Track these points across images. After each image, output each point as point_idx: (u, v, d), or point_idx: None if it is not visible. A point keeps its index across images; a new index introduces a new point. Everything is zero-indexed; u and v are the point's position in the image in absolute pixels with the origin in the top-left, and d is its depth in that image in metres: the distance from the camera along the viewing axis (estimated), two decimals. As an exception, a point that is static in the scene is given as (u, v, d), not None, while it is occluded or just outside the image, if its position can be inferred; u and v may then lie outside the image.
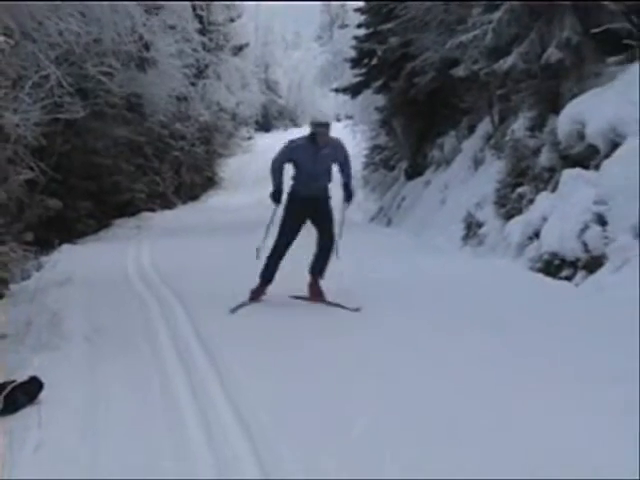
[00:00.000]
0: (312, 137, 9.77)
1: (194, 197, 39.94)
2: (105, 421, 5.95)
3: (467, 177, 18.10)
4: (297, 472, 4.77)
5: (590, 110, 11.79)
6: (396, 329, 8.46)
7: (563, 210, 11.24)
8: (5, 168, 13.44)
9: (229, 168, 50.59)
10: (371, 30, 25.50)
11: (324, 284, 10.06)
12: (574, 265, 10.67)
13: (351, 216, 12.86)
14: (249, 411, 5.89)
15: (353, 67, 28.15)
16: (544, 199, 12.34)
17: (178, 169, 37.33)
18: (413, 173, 24.47)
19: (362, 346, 7.76)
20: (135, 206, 29.40)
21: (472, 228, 15.25)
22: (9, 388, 6.32)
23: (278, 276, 10.11)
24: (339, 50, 44.65)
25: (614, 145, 11.14)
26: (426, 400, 5.93)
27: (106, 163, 25.08)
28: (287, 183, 10.06)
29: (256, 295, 10.05)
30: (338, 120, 44.54)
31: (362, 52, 26.54)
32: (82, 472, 5.04)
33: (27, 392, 6.44)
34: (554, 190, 12.21)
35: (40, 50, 15.55)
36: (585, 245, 10.49)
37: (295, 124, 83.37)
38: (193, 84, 37.01)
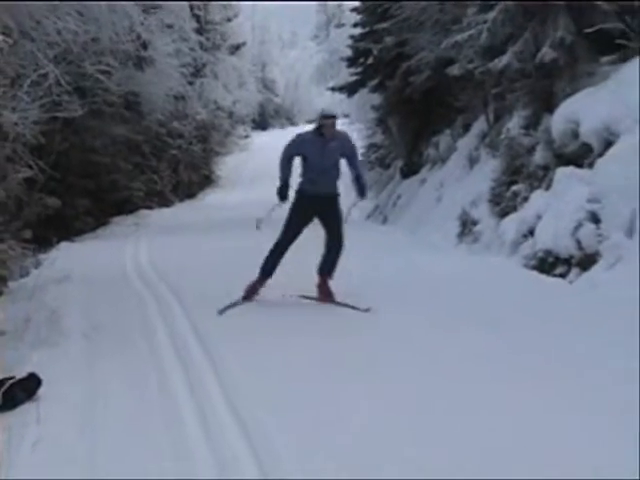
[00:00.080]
0: (319, 129, 9.63)
1: (191, 195, 39.85)
2: (103, 417, 5.97)
3: (462, 175, 18.06)
4: (296, 472, 4.74)
5: (584, 109, 11.85)
6: (393, 326, 8.45)
7: (557, 208, 11.29)
8: (4, 166, 13.42)
9: (226, 166, 50.27)
10: (367, 29, 25.58)
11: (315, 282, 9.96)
12: (568, 262, 10.72)
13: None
14: (246, 409, 5.88)
15: (349, 66, 28.18)
16: (538, 197, 12.40)
17: (176, 167, 37.29)
18: (409, 171, 24.47)
19: (360, 344, 7.76)
20: (133, 204, 29.37)
21: (467, 226, 15.28)
22: (8, 384, 6.36)
23: (277, 276, 9.98)
24: (335, 49, 44.89)
25: (608, 144, 11.18)
26: (425, 399, 5.91)
27: (104, 161, 25.05)
28: (295, 180, 9.87)
29: (253, 289, 9.94)
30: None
31: (358, 51, 26.59)
32: (80, 468, 5.06)
33: (26, 388, 6.47)
34: (548, 188, 12.26)
35: (38, 49, 15.52)
36: (579, 243, 10.54)
37: (292, 122, 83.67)
38: (190, 83, 37.07)
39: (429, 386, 6.24)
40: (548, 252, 11.15)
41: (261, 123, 77.57)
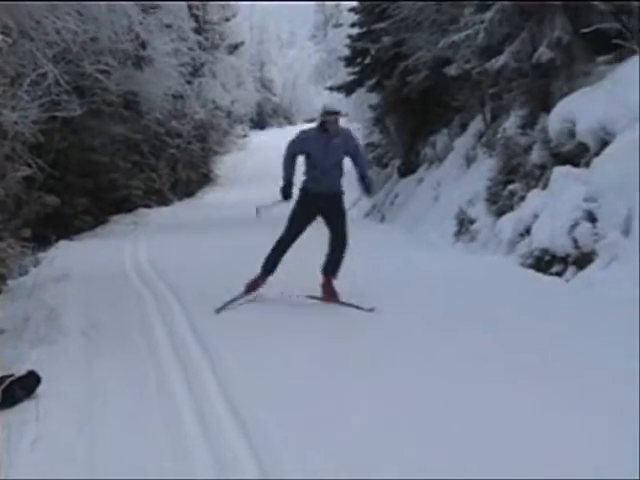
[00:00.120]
0: (322, 126, 9.53)
1: (190, 194, 39.89)
2: (102, 415, 5.98)
3: (459, 174, 18.12)
4: (296, 472, 4.71)
5: (580, 109, 11.89)
6: (391, 326, 8.45)
7: (554, 207, 11.34)
8: (3, 165, 13.42)
9: (224, 165, 50.29)
10: (365, 29, 25.63)
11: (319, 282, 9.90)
12: (564, 261, 10.76)
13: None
14: (245, 407, 5.87)
15: (347, 66, 28.27)
16: (535, 196, 12.44)
17: (174, 166, 37.34)
18: (406, 170, 24.51)
19: (359, 343, 7.75)
20: (132, 203, 29.43)
21: (464, 224, 15.33)
22: (7, 382, 6.35)
23: (278, 274, 9.92)
24: (333, 49, 44.93)
25: (604, 143, 11.22)
26: (424, 399, 5.88)
27: (103, 160, 25.11)
28: (298, 179, 9.75)
29: (253, 285, 9.86)
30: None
31: (356, 51, 26.68)
32: (79, 466, 5.07)
33: (25, 386, 6.47)
34: (545, 187, 12.31)
35: (38, 48, 15.51)
36: (575, 241, 10.57)
37: (290, 122, 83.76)
38: (189, 82, 37.13)
39: (429, 386, 6.22)
40: (545, 251, 11.18)
41: (259, 122, 77.62)
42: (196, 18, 37.57)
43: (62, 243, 19.41)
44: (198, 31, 37.18)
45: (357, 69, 26.75)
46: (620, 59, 12.43)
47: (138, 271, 14.08)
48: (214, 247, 16.72)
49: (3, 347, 8.06)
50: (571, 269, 10.57)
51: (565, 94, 12.86)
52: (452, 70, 17.14)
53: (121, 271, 14.21)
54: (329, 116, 9.50)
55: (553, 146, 12.63)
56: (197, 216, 28.95)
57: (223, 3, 46.39)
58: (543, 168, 12.90)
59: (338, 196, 9.77)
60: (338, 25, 51.76)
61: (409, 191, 22.45)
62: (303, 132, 9.87)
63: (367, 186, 10.00)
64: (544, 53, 13.07)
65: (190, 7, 34.81)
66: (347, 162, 9.74)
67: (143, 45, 25.45)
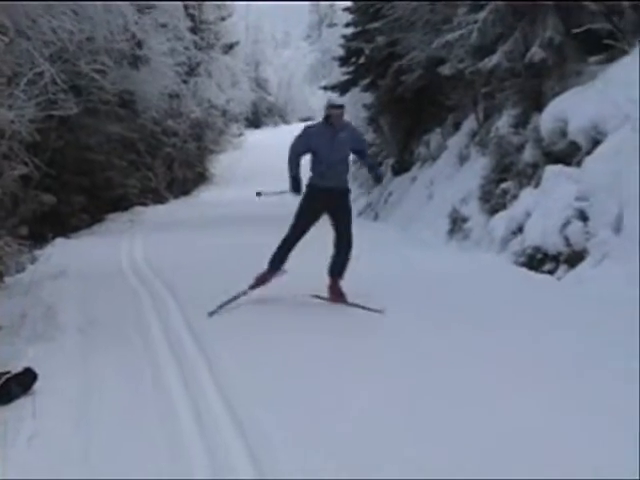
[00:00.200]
0: (327, 120, 9.48)
1: (186, 192, 39.86)
2: (98, 411, 6.00)
3: (452, 173, 18.13)
4: (296, 472, 4.68)
5: (572, 108, 11.97)
6: (386, 324, 8.46)
7: (546, 206, 11.44)
8: (0, 164, 13.50)
9: (220, 164, 50.28)
10: (359, 29, 25.68)
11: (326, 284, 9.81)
12: (556, 259, 10.85)
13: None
14: (242, 405, 5.86)
15: (341, 65, 28.35)
16: (527, 195, 12.54)
17: (170, 165, 37.34)
18: (400, 169, 24.52)
19: (356, 343, 7.72)
20: (128, 201, 29.46)
21: (457, 223, 15.38)
22: (4, 379, 6.41)
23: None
24: (328, 48, 44.98)
25: (595, 142, 11.28)
26: (424, 399, 5.86)
27: (99, 159, 25.15)
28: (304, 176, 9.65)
29: (261, 280, 9.75)
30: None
31: (350, 51, 26.73)
32: (76, 462, 5.08)
33: (21, 383, 6.51)
34: (537, 186, 12.39)
35: (34, 48, 15.54)
36: (567, 240, 10.66)
37: (285, 121, 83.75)
38: (185, 81, 37.14)
39: (427, 386, 6.18)
40: (537, 249, 11.27)
41: (255, 121, 77.57)
42: (192, 18, 37.65)
43: (59, 241, 19.38)
44: (194, 31, 37.26)
45: (351, 69, 26.79)
46: (611, 59, 12.49)
47: (134, 269, 14.12)
48: (210, 245, 16.73)
49: (0, 344, 8.11)
50: (563, 267, 10.65)
51: (557, 94, 12.94)
52: (446, 70, 17.17)
53: (117, 269, 14.23)
54: (334, 110, 9.47)
55: (545, 145, 12.70)
56: (193, 214, 28.90)
57: (219, 3, 46.47)
58: (535, 167, 12.96)
59: (345, 193, 9.72)
60: (332, 25, 51.90)
61: (403, 190, 22.46)
62: (308, 127, 9.78)
63: (378, 176, 10.40)
64: (536, 53, 13.16)
65: (186, 7, 34.90)
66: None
67: (139, 44, 25.53)
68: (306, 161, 9.55)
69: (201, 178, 44.54)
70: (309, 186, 9.66)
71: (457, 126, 20.28)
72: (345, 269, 9.70)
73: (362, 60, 25.49)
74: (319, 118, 9.98)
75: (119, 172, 27.79)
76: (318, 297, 9.73)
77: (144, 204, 31.16)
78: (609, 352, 6.87)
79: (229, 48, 49.53)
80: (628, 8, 12.33)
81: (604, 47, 12.70)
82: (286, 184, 9.66)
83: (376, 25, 22.52)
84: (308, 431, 5.30)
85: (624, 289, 8.88)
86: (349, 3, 27.84)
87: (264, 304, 9.60)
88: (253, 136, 67.19)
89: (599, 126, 11.30)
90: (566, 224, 10.75)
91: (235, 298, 9.55)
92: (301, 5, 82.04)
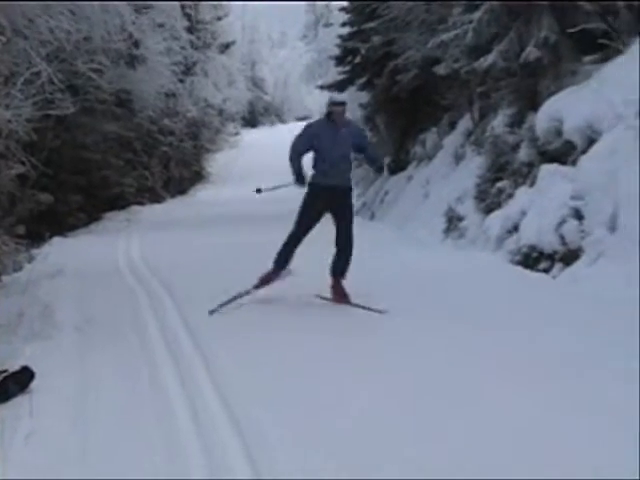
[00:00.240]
0: (329, 117, 9.43)
1: (182, 191, 39.82)
2: (95, 410, 6.00)
3: (448, 172, 18.14)
4: (296, 472, 4.65)
5: (567, 107, 12.00)
6: (383, 324, 8.44)
7: (541, 204, 11.45)
8: (-3, 163, 13.57)
9: (216, 163, 50.21)
10: (355, 29, 25.68)
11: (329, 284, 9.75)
12: (551, 258, 10.87)
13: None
14: (239, 404, 5.84)
15: (337, 65, 28.29)
16: (523, 194, 12.55)
17: (167, 164, 37.31)
18: (396, 168, 24.47)
19: (354, 342, 7.68)
20: (125, 200, 29.48)
21: (453, 222, 15.37)
22: (1, 377, 6.42)
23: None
24: (324, 48, 44.90)
25: (590, 141, 11.30)
26: (424, 398, 5.82)
27: (96, 158, 25.20)
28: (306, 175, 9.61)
29: (266, 279, 9.70)
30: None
31: (346, 50, 26.73)
32: (73, 460, 5.07)
33: (19, 381, 6.50)
34: (532, 185, 12.41)
35: (31, 47, 15.50)
36: (562, 238, 10.69)
37: (281, 120, 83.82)
38: (181, 81, 37.19)
39: (426, 385, 6.15)
40: (532, 247, 11.29)
41: (251, 120, 77.55)
42: (188, 17, 37.68)
43: (56, 240, 19.46)
44: (190, 30, 37.27)
45: (347, 68, 26.78)
46: (606, 59, 12.50)
47: (131, 267, 14.16)
48: (206, 244, 16.78)
49: (-3, 342, 8.10)
50: (558, 266, 10.68)
51: (552, 93, 12.96)
52: (441, 69, 17.15)
53: (114, 267, 14.28)
54: (336, 107, 9.45)
55: (540, 144, 12.73)
56: (189, 213, 28.94)
57: (215, 3, 46.49)
58: (531, 166, 12.98)
59: (347, 191, 9.73)
60: (328, 25, 51.74)
61: (399, 189, 22.45)
62: (308, 126, 9.72)
63: (380, 166, 10.70)
64: (531, 52, 13.20)
65: (183, 7, 34.96)
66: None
67: (136, 44, 25.57)
68: (308, 158, 9.51)
69: (197, 177, 44.52)
70: (312, 184, 9.60)
71: (453, 125, 20.31)
72: (347, 269, 9.63)
73: (358, 60, 25.49)
74: (315, 117, 10.00)
75: (116, 171, 27.84)
76: (321, 297, 9.68)
77: (141, 203, 31.22)
78: (608, 352, 6.86)
79: (225, 48, 49.53)
80: (623, 8, 12.36)
81: (599, 47, 12.72)
82: (284, 180, 9.70)
83: (372, 25, 22.54)
84: (307, 430, 5.28)
85: (620, 288, 8.89)
86: (345, 3, 27.83)
87: (266, 304, 9.56)
88: (249, 135, 67.25)
89: (594, 125, 11.32)
90: (561, 223, 10.77)
91: (237, 297, 9.49)
92: (297, 5, 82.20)
